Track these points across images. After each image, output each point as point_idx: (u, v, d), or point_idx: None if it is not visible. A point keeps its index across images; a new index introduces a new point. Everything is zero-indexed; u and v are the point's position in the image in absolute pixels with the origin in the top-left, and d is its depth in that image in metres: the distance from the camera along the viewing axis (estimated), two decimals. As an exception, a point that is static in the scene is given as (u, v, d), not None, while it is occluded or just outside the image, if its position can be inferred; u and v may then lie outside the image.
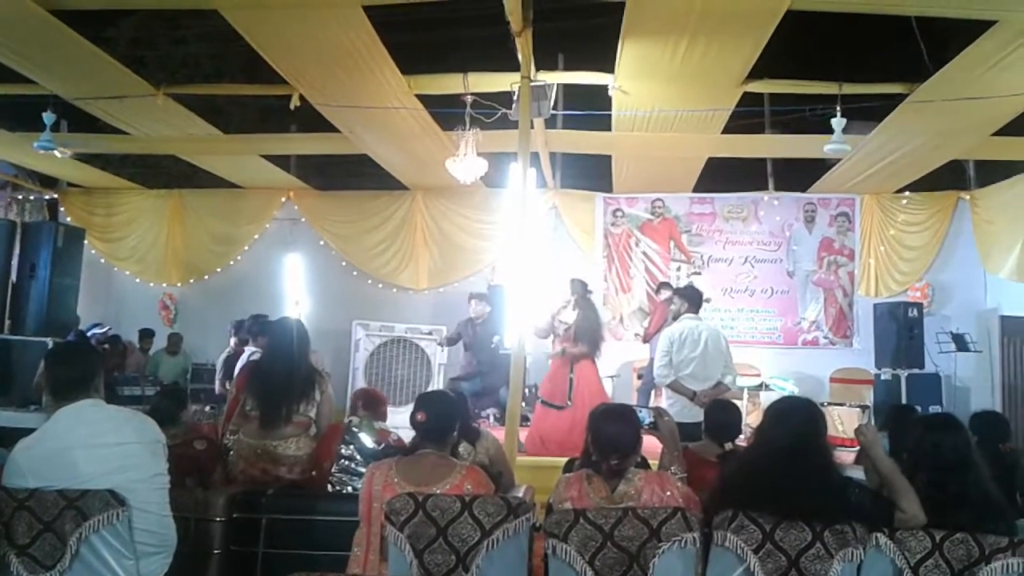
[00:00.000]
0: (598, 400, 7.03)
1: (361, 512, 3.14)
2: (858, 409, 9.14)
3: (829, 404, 9.38)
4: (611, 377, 9.44)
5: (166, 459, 2.98)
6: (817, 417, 2.97)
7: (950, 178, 10.61)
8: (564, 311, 7.36)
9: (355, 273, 11.29)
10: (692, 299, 6.62)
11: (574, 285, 7.41)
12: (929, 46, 6.73)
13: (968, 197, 10.49)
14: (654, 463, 4.03)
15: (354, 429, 4.36)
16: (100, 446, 2.82)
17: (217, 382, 8.62)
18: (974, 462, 3.04)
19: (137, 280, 11.72)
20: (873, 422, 8.84)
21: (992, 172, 10.16)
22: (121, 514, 2.75)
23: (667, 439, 3.66)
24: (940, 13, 5.90)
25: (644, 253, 11.01)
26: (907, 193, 10.64)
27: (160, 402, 4.93)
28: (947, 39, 6.46)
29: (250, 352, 7.63)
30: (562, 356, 7.29)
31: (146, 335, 10.84)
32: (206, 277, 11.59)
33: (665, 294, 8.95)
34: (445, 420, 3.28)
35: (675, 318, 6.58)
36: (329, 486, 4.26)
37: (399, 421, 4.82)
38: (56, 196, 11.76)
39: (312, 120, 8.52)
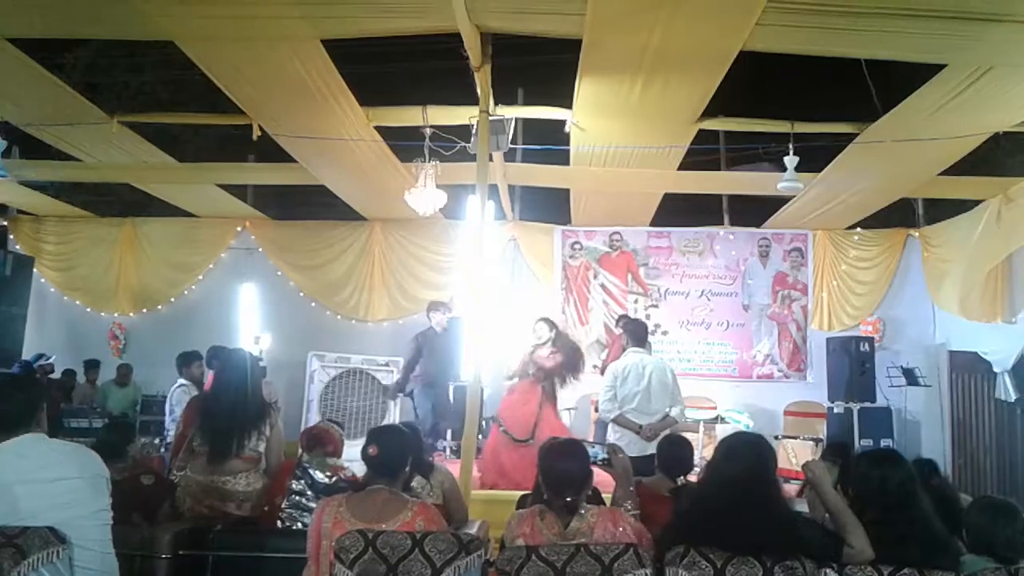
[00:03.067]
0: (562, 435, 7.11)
1: (309, 549, 3.08)
2: (811, 442, 9.23)
3: (783, 437, 9.47)
4: (569, 409, 9.43)
5: (110, 494, 2.90)
6: (766, 452, 2.99)
7: (900, 215, 10.86)
8: (540, 349, 7.35)
9: (311, 304, 11.19)
10: (636, 333, 6.67)
11: (548, 324, 7.44)
12: (879, 88, 6.91)
13: (917, 234, 10.73)
14: (607, 495, 4.03)
15: (305, 464, 4.30)
16: (41, 481, 2.74)
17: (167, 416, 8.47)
18: (919, 498, 3.08)
19: (87, 309, 11.49)
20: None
21: (940, 210, 10.41)
22: (62, 552, 2.67)
23: (620, 476, 3.66)
24: (890, 57, 6.05)
25: (602, 285, 11.07)
26: (858, 229, 10.86)
27: (106, 435, 4.84)
28: (896, 81, 6.63)
29: (177, 384, 7.53)
30: (531, 381, 7.29)
31: (92, 366, 10.60)
32: (158, 307, 11.40)
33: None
34: (397, 455, 3.25)
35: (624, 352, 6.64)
36: (279, 522, 4.19)
37: (353, 454, 4.76)
38: (5, 223, 11.52)
39: (270, 150, 8.47)
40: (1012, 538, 3.15)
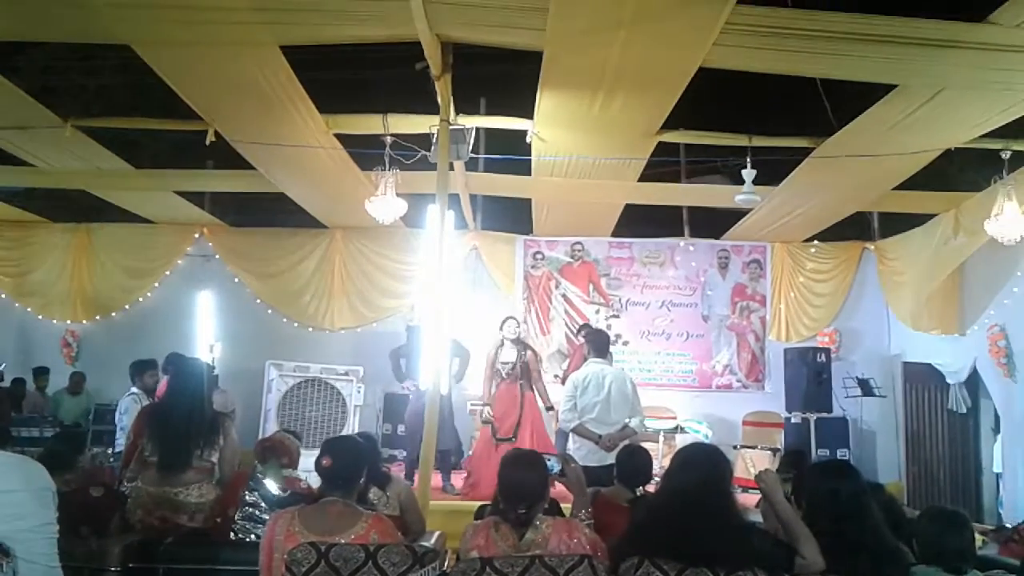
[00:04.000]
0: (542, 440, 7.19)
1: (261, 563, 3.04)
2: (769, 452, 9.32)
3: (742, 447, 9.55)
4: (550, 409, 9.38)
5: (56, 507, 2.83)
6: (721, 463, 3.00)
7: (856, 229, 11.03)
8: (502, 351, 7.71)
9: (269, 312, 11.07)
10: (597, 343, 6.72)
11: (509, 324, 7.85)
12: (833, 104, 7.03)
13: (873, 247, 10.92)
14: (567, 506, 4.02)
15: (259, 475, 4.24)
16: (-13, 494, 2.67)
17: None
18: (870, 507, 3.11)
19: (39, 316, 11.25)
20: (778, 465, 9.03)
21: (895, 224, 10.59)
22: (5, 565, 2.59)
23: (574, 486, 3.66)
24: (844, 77, 6.17)
25: (564, 295, 11.10)
26: (815, 242, 11.02)
27: (54, 446, 4.74)
28: (851, 98, 6.75)
29: (128, 393, 7.39)
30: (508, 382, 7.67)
31: (41, 373, 10.38)
32: (112, 314, 11.19)
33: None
34: (351, 466, 3.21)
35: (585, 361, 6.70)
36: (232, 534, 4.12)
37: (309, 465, 4.71)
38: (-45, 229, 11.26)
39: (228, 156, 8.37)
40: (961, 547, 3.19)
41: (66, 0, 5.30)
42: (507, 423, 7.63)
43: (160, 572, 3.88)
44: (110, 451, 7.55)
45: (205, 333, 10.17)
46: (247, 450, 5.33)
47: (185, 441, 4.27)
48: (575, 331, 10.41)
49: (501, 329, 7.84)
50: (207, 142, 7.37)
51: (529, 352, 7.85)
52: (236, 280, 11.12)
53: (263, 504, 4.13)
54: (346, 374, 9.63)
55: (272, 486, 4.20)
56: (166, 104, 8.04)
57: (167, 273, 11.26)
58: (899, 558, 3.05)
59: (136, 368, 7.48)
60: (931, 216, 9.39)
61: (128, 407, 7.20)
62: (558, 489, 3.63)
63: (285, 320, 11.06)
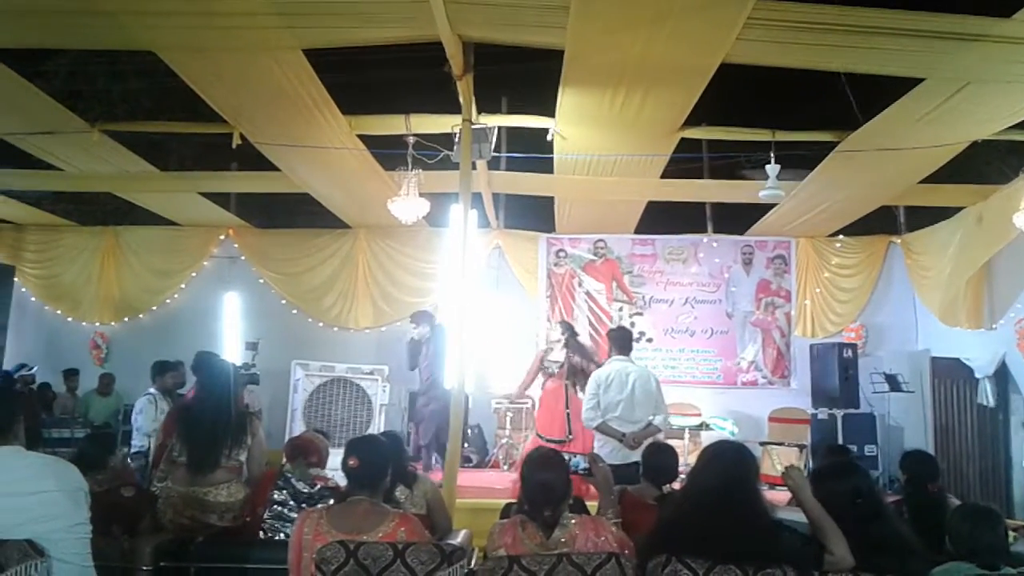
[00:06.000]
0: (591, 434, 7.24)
1: (290, 562, 3.06)
2: (796, 448, 9.26)
3: (768, 444, 9.50)
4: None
5: (88, 507, 2.87)
6: (747, 460, 2.99)
7: (881, 222, 10.92)
8: (553, 351, 7.90)
9: (294, 312, 11.14)
10: (619, 341, 6.67)
11: (563, 326, 8.09)
12: (859, 98, 6.95)
13: (899, 241, 10.82)
14: (592, 503, 4.03)
15: (287, 474, 4.28)
16: (19, 495, 2.71)
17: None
18: (883, 506, 3.10)
19: (68, 319, 11.41)
20: (811, 461, 8.97)
21: (922, 217, 10.49)
22: (40, 565, 2.63)
23: (601, 485, 3.66)
24: (869, 71, 6.11)
25: (587, 293, 11.09)
26: (840, 237, 10.93)
27: (86, 447, 4.78)
28: (877, 92, 6.68)
29: (144, 394, 7.44)
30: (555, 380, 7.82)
31: (71, 374, 10.52)
32: (140, 316, 11.33)
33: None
34: (377, 466, 3.23)
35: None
36: (261, 532, 4.16)
37: (337, 464, 4.74)
38: (-15, 233, 11.44)
39: (253, 158, 8.44)
40: (993, 543, 3.18)
41: (91, 10, 5.37)
42: (556, 424, 7.68)
43: (191, 571, 3.93)
44: (126, 450, 7.64)
45: (233, 333, 10.25)
46: (275, 450, 5.39)
47: (214, 441, 4.32)
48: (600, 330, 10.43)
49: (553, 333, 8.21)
50: (233, 145, 7.44)
51: (576, 355, 7.89)
52: (261, 281, 11.21)
53: (291, 502, 4.16)
54: (371, 373, 9.67)
55: (300, 484, 4.24)
56: (191, 107, 8.15)
57: (193, 275, 11.37)
58: (922, 554, 3.03)
59: (158, 369, 7.55)
60: (958, 209, 9.30)
61: (143, 407, 7.27)
62: (590, 491, 3.64)
63: (310, 320, 11.13)
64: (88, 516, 2.85)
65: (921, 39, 5.33)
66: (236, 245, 11.36)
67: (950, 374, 9.69)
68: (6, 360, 9.64)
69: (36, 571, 2.62)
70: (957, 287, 9.15)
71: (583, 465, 3.62)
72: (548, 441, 7.42)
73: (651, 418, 6.26)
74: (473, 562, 3.17)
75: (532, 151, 8.58)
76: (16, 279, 10.59)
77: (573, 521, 3.07)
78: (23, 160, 8.66)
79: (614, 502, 3.68)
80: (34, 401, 9.46)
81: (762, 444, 9.45)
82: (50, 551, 2.66)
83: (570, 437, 7.46)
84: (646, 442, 5.92)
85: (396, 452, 4.12)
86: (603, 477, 3.66)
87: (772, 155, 7.61)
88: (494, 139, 7.11)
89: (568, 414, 7.60)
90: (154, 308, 11.34)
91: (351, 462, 3.15)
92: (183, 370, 7.50)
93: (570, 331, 8.10)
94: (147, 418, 7.23)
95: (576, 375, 7.73)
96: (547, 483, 3.10)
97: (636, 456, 5.79)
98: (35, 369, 10.17)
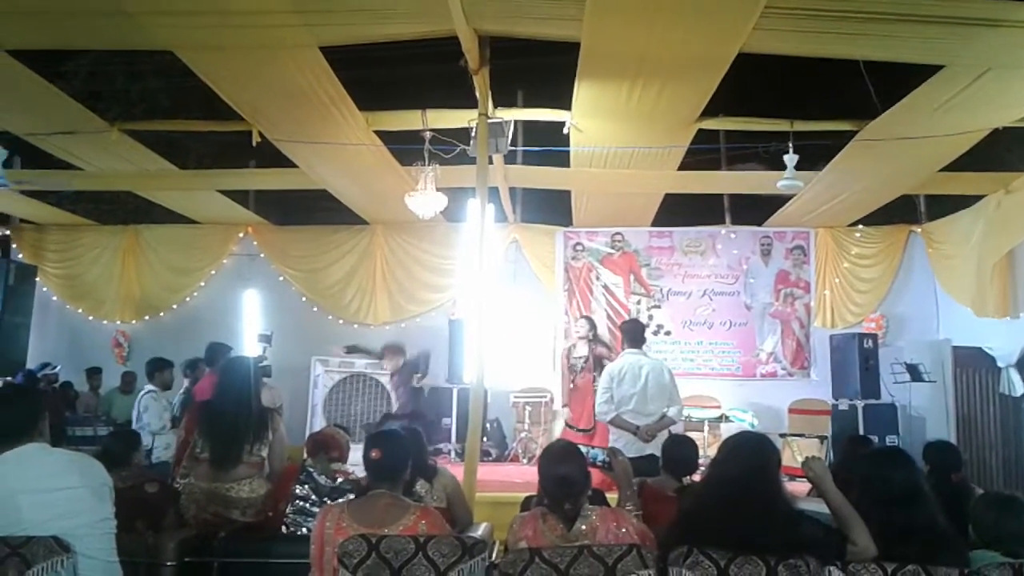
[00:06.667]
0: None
1: (312, 556, 3.07)
2: (816, 440, 9.22)
3: (788, 435, 9.45)
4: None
5: (113, 503, 2.90)
6: (768, 451, 2.98)
7: (902, 212, 10.83)
8: (575, 348, 8.02)
9: (314, 308, 11.20)
10: (632, 334, 6.65)
11: (589, 322, 8.24)
12: (877, 86, 6.89)
13: (920, 230, 10.73)
14: (612, 495, 4.02)
15: (309, 469, 4.30)
16: (45, 491, 2.75)
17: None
18: (924, 494, 3.08)
19: (90, 318, 11.52)
20: (831, 452, 8.93)
21: (942, 206, 10.40)
22: (66, 561, 2.67)
23: (620, 478, 3.66)
24: (887, 58, 6.05)
25: (605, 286, 11.07)
26: (860, 227, 10.86)
27: (110, 444, 4.82)
28: (895, 79, 6.62)
29: (145, 391, 7.48)
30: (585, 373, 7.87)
31: (94, 373, 10.61)
32: (161, 314, 11.43)
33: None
34: (398, 458, 3.24)
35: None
36: (284, 527, 4.19)
37: (358, 459, 4.77)
38: (8, 233, 11.54)
39: (271, 155, 8.48)
40: (1018, 531, 3.19)
41: (109, 10, 5.40)
42: (584, 415, 7.74)
43: (215, 566, 3.96)
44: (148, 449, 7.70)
45: (253, 329, 10.32)
46: (296, 446, 5.42)
47: (236, 437, 4.34)
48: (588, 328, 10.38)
49: (577, 329, 8.29)
50: (253, 143, 7.49)
51: (600, 347, 7.99)
52: (281, 278, 11.27)
53: (313, 497, 4.19)
54: (389, 368, 9.70)
55: (322, 479, 4.26)
56: (209, 105, 8.20)
57: (213, 272, 11.45)
58: (953, 543, 3.00)
59: (152, 366, 7.63)
60: (979, 197, 9.20)
61: (148, 404, 7.32)
62: (600, 477, 3.64)
63: (330, 316, 11.18)
64: (113, 512, 2.88)
65: (940, 25, 5.27)
66: (255, 242, 11.43)
67: (972, 363, 9.60)
68: (29, 359, 9.75)
69: (62, 567, 2.67)
70: (985, 278, 9.04)
71: (601, 457, 3.61)
72: (575, 430, 7.62)
73: (665, 410, 6.24)
74: (494, 555, 3.18)
75: (548, 144, 8.57)
76: (38, 279, 10.70)
77: (594, 513, 3.07)
78: (45, 160, 8.75)
79: (633, 495, 3.67)
80: (57, 400, 9.55)
81: (782, 436, 9.41)
82: (76, 547, 2.70)
83: (593, 427, 7.50)
84: (661, 435, 5.93)
85: (416, 446, 4.13)
86: (622, 470, 3.66)
87: (790, 145, 7.58)
88: (510, 133, 7.13)
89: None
90: (175, 306, 11.44)
91: (373, 454, 3.17)
92: (172, 368, 7.60)
93: (593, 325, 8.21)
94: (154, 415, 7.27)
95: (601, 367, 7.72)
96: (566, 476, 3.10)
97: (651, 448, 5.79)
98: (58, 368, 10.28)
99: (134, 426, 7.41)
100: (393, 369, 8.90)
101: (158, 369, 7.59)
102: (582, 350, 8.02)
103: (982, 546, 3.18)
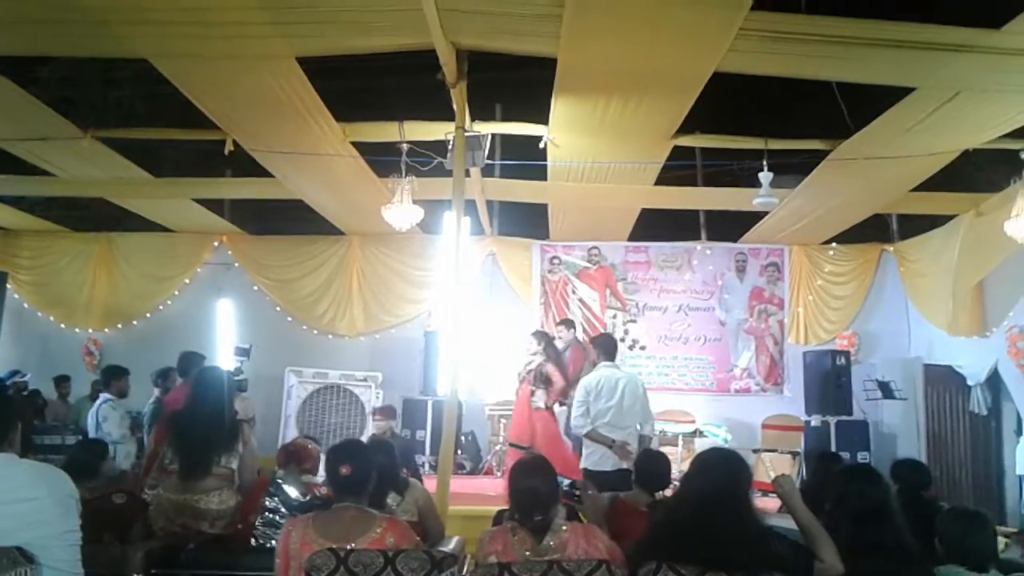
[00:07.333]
0: (554, 443, 7.12)
1: (277, 570, 3.04)
2: (789, 455, 9.28)
3: (762, 451, 9.51)
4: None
5: (79, 515, 2.86)
6: (739, 468, 2.99)
7: (874, 230, 10.96)
8: (531, 363, 7.65)
9: (288, 319, 11.14)
10: (606, 347, 6.62)
11: (539, 337, 7.85)
12: (850, 106, 7.00)
13: (892, 249, 10.86)
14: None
15: (279, 481, 4.27)
16: (11, 502, 2.70)
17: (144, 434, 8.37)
18: (893, 511, 3.11)
19: (62, 325, 11.38)
20: (804, 468, 8.98)
21: (914, 225, 10.53)
22: (30, 572, 2.63)
23: (589, 514, 3.67)
24: (859, 80, 6.15)
25: (581, 300, 11.10)
26: (833, 245, 10.97)
27: (77, 454, 4.78)
28: (868, 100, 6.72)
29: (103, 400, 7.39)
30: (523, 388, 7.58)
31: (62, 380, 10.45)
32: (134, 322, 11.33)
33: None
34: (363, 472, 3.21)
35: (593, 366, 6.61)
36: (253, 540, 4.16)
37: (329, 471, 4.74)
38: (-23, 239, 11.41)
39: (247, 164, 8.44)
40: (982, 546, 3.22)
41: (85, 19, 5.37)
42: (522, 432, 7.53)
43: (182, 578, 3.93)
44: (136, 458, 7.60)
45: (227, 340, 10.23)
46: (268, 457, 5.38)
47: (205, 449, 4.30)
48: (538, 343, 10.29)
49: (528, 346, 7.83)
50: (226, 152, 7.45)
51: (549, 364, 7.62)
52: (255, 288, 11.20)
53: (283, 510, 4.16)
54: (365, 380, 9.69)
55: (292, 492, 4.24)
56: (184, 114, 8.13)
57: (187, 281, 11.37)
58: (919, 560, 3.03)
59: (109, 374, 7.56)
60: (950, 217, 9.33)
61: (108, 414, 7.22)
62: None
63: (304, 327, 11.12)
64: (79, 524, 2.84)
65: (911, 50, 5.37)
66: (230, 252, 11.36)
67: (942, 381, 9.72)
68: (0, 367, 9.61)
69: (25, 578, 2.62)
70: (958, 298, 9.13)
71: (566, 483, 3.62)
72: (517, 448, 7.33)
73: (638, 427, 6.24)
74: (465, 569, 3.16)
75: (526, 158, 8.60)
76: (9, 286, 10.57)
77: (564, 528, 3.08)
78: (16, 166, 8.65)
79: (602, 527, 3.67)
80: (26, 408, 9.41)
81: (755, 451, 9.46)
82: (40, 558, 2.66)
83: (531, 448, 7.16)
84: (635, 449, 5.95)
85: (388, 458, 4.11)
86: (592, 505, 3.66)
87: (765, 163, 7.65)
88: (487, 146, 7.13)
89: (532, 421, 7.47)
90: (148, 315, 11.33)
91: (345, 470, 3.12)
92: (128, 376, 7.53)
93: (546, 340, 7.86)
94: (113, 424, 7.17)
95: (542, 382, 7.53)
96: (534, 489, 3.11)
97: (627, 463, 5.79)
98: (28, 376, 10.13)
99: (92, 436, 7.31)
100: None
101: (114, 377, 7.49)
102: (533, 365, 7.67)
103: (948, 561, 3.21)
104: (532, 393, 7.51)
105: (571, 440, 7.79)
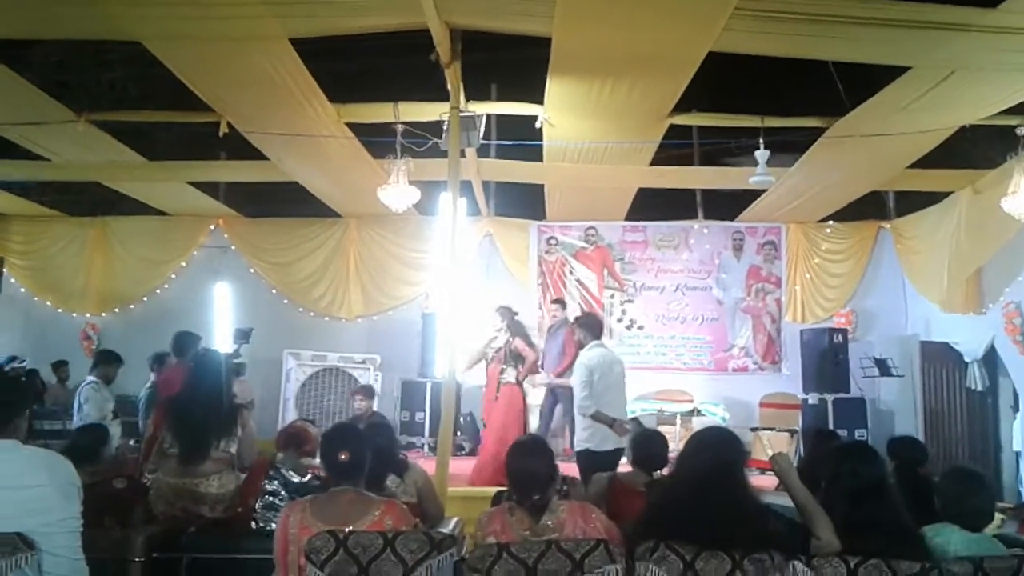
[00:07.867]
0: (511, 426, 7.13)
1: (276, 554, 3.04)
2: (787, 433, 9.31)
3: (759, 429, 9.54)
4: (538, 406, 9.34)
5: (80, 501, 2.87)
6: (735, 446, 3.01)
7: (871, 208, 10.96)
8: (496, 339, 7.62)
9: (286, 301, 11.13)
10: (593, 328, 6.55)
11: (502, 312, 7.72)
12: (846, 84, 6.98)
13: (889, 226, 10.86)
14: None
15: (279, 464, 4.28)
16: (12, 488, 2.71)
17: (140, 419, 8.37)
18: (889, 489, 3.13)
19: (58, 310, 11.37)
20: (801, 446, 9.02)
21: (911, 202, 10.52)
22: (30, 558, 2.64)
23: (588, 494, 3.69)
24: (855, 59, 6.14)
25: (578, 280, 11.10)
26: (830, 222, 10.97)
27: (79, 439, 4.78)
28: (864, 78, 6.70)
29: (87, 382, 7.37)
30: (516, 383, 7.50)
31: (60, 365, 10.45)
32: (130, 306, 11.31)
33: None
34: (359, 455, 3.20)
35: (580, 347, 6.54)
36: (253, 523, 4.17)
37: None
38: (-28, 225, 11.37)
39: (242, 147, 8.40)
40: (981, 507, 3.27)
41: (78, 0, 5.33)
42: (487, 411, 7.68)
43: (183, 561, 3.93)
44: (134, 442, 7.61)
45: (224, 323, 10.23)
46: (267, 440, 5.39)
47: (204, 433, 4.31)
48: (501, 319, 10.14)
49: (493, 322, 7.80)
50: (220, 134, 7.41)
51: (517, 339, 7.58)
52: (252, 271, 11.19)
53: (283, 492, 4.17)
54: (363, 362, 9.70)
55: (292, 475, 4.25)
56: (178, 96, 8.09)
57: (184, 264, 11.35)
58: (916, 537, 3.05)
59: (99, 358, 7.55)
60: (947, 194, 9.32)
61: (89, 395, 7.20)
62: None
63: (301, 310, 11.12)
64: (79, 510, 2.85)
65: (907, 29, 5.35)
66: (226, 235, 11.33)
67: (939, 358, 9.75)
68: (-2, 353, 9.62)
69: (27, 563, 2.64)
70: (958, 276, 9.11)
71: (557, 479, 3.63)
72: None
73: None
74: (464, 550, 3.17)
75: (521, 138, 8.56)
76: (5, 270, 10.55)
77: (562, 507, 3.09)
78: (10, 150, 8.61)
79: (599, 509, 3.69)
80: (27, 393, 9.40)
81: (753, 429, 9.50)
82: (40, 544, 2.67)
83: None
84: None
85: (387, 440, 4.12)
86: (578, 499, 3.68)
87: (761, 141, 7.63)
88: (483, 127, 7.11)
89: (496, 401, 7.50)
90: (145, 298, 11.32)
91: (343, 456, 3.12)
92: (120, 363, 7.51)
93: (509, 315, 7.75)
94: (94, 406, 7.17)
95: (513, 359, 7.51)
96: (531, 468, 3.13)
97: (626, 442, 5.80)
98: (26, 362, 10.13)
99: (74, 418, 7.30)
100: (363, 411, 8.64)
101: (104, 361, 7.45)
102: (499, 342, 7.65)
103: (945, 519, 3.24)
104: (502, 371, 7.50)
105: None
